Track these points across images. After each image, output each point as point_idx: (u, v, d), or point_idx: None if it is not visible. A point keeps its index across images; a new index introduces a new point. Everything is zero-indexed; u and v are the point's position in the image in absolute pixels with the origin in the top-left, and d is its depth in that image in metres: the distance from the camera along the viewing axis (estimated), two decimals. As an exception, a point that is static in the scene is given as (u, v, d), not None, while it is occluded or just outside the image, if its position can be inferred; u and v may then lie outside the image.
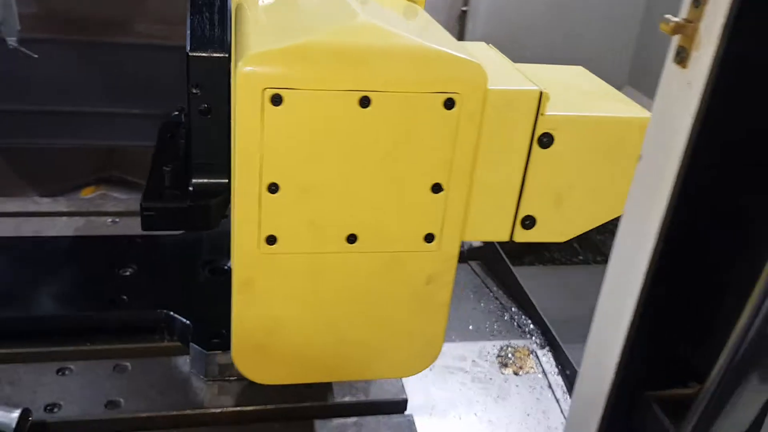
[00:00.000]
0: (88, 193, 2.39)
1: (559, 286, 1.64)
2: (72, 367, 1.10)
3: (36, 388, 1.05)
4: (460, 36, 1.97)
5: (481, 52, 0.84)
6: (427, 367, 0.81)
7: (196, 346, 1.10)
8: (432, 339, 0.78)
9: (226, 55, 0.99)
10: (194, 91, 1.01)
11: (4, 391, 1.04)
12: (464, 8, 1.93)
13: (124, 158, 2.36)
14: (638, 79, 1.95)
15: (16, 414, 0.97)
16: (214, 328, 1.12)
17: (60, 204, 1.53)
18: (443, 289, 0.76)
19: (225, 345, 1.09)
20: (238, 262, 0.73)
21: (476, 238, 0.77)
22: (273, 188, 0.70)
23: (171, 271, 1.28)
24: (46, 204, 1.52)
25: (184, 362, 1.13)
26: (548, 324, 1.37)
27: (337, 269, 0.74)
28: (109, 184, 2.40)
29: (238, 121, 0.67)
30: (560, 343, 1.33)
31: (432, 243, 0.74)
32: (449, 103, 0.69)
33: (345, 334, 0.78)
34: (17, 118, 2.04)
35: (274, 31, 0.72)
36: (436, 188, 0.72)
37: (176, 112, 1.33)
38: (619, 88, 2.03)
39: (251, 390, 1.08)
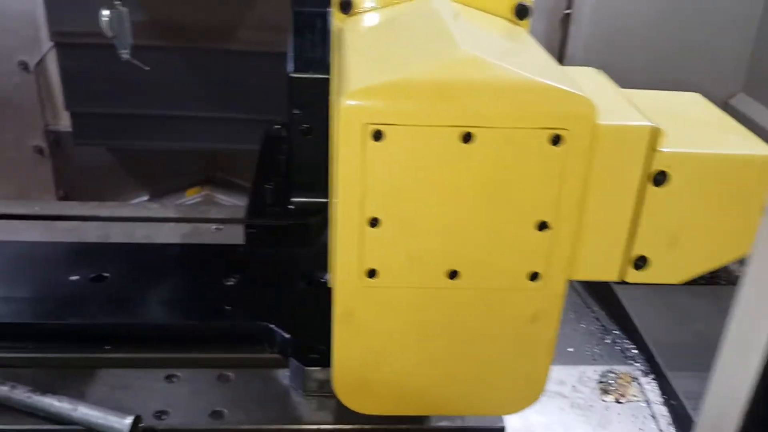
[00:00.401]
0: (192, 193, 2.49)
1: (663, 308, 1.56)
2: (179, 374, 1.15)
3: (146, 395, 1.11)
4: (563, 41, 1.90)
5: (588, 80, 0.80)
6: (528, 406, 0.79)
7: (295, 361, 1.12)
8: (535, 378, 0.76)
9: (328, 77, 1.00)
10: (296, 111, 1.03)
11: (116, 396, 1.10)
12: (567, 11, 1.86)
13: (228, 160, 2.44)
14: (754, 86, 1.82)
15: (129, 420, 1.03)
16: (312, 343, 1.15)
17: (169, 210, 1.60)
18: (548, 328, 0.74)
19: (323, 361, 1.11)
20: (340, 294, 0.73)
21: (585, 278, 0.74)
22: (374, 222, 0.70)
23: (272, 283, 1.31)
24: (155, 210, 1.60)
25: (283, 375, 1.15)
26: (652, 349, 1.31)
27: (438, 304, 0.74)
28: (213, 185, 2.49)
29: (340, 155, 0.67)
30: (665, 371, 1.26)
31: (537, 281, 0.72)
32: (556, 140, 0.66)
33: (445, 369, 0.77)
34: (128, 122, 2.14)
35: (374, 63, 0.71)
36: (542, 226, 0.70)
37: (277, 126, 1.35)
38: (732, 95, 1.91)
39: (349, 408, 1.09)
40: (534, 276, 0.72)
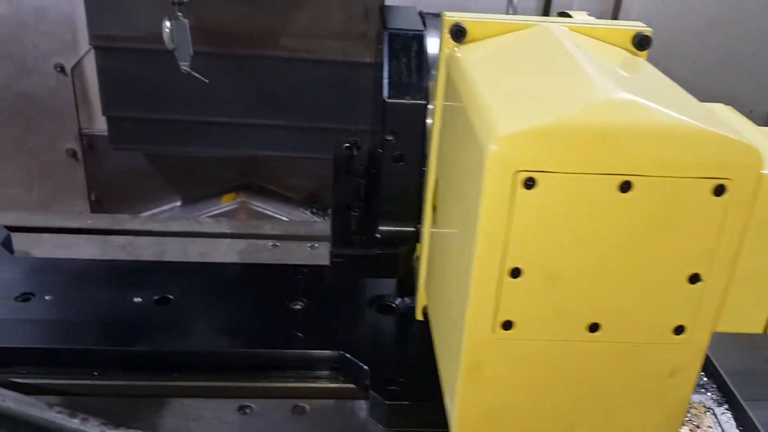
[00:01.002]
0: (228, 200, 2.45)
1: (730, 333, 1.52)
2: (253, 405, 1.10)
3: (220, 428, 1.06)
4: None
5: (734, 121, 0.76)
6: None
7: (375, 393, 1.08)
8: (666, 434, 0.72)
9: (424, 103, 0.95)
10: (389, 137, 0.98)
11: (190, 428, 1.05)
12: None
13: (262, 167, 2.40)
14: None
15: (208, 458, 0.99)
16: (390, 374, 1.10)
17: (222, 225, 1.55)
18: (686, 383, 0.70)
19: (402, 394, 1.07)
20: (469, 346, 0.68)
21: (729, 330, 0.70)
22: (515, 273, 0.65)
23: (340, 307, 1.26)
24: (209, 225, 1.55)
25: (360, 407, 1.11)
26: (725, 377, 1.27)
27: (573, 357, 0.69)
28: (249, 192, 2.45)
29: (485, 202, 0.62)
30: (740, 401, 1.23)
31: (681, 335, 0.68)
32: (719, 190, 0.62)
33: (573, 421, 0.73)
34: (165, 126, 2.11)
35: (516, 103, 0.67)
36: (693, 279, 0.65)
37: (347, 144, 1.31)
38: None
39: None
40: (679, 330, 0.68)
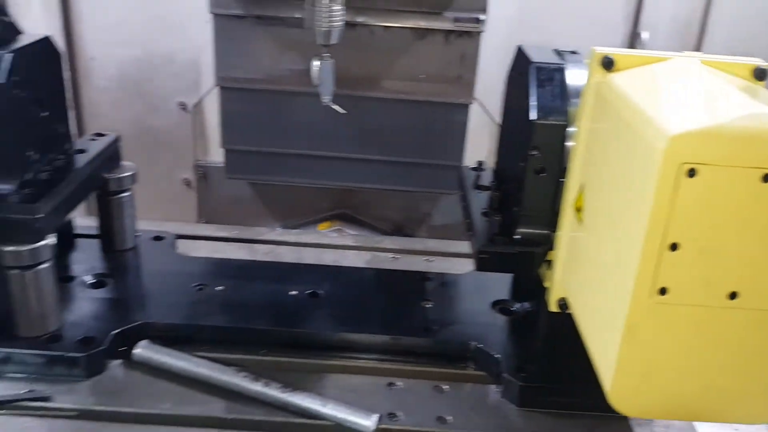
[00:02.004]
0: (324, 227, 2.66)
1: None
2: (399, 383, 1.27)
3: (373, 398, 1.23)
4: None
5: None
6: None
7: (508, 377, 1.24)
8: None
9: (565, 123, 1.15)
10: (533, 152, 1.18)
11: (348, 398, 1.22)
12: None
13: (355, 198, 2.60)
14: None
15: (375, 417, 1.16)
16: (520, 362, 1.27)
17: (347, 239, 1.75)
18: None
19: (533, 379, 1.24)
20: (631, 310, 0.85)
21: None
22: (674, 247, 0.82)
23: (466, 307, 1.44)
24: (336, 238, 1.75)
25: (492, 390, 1.27)
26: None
27: (715, 321, 0.86)
28: (342, 221, 2.65)
29: (656, 189, 0.80)
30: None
31: (808, 304, 0.84)
32: (840, 182, 0.79)
33: (715, 380, 0.88)
34: (273, 159, 2.32)
35: (677, 113, 0.85)
36: (820, 255, 0.82)
37: (474, 166, 1.51)
38: None
39: (560, 421, 1.21)
40: (806, 300, 0.84)
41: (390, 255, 1.69)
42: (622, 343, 0.88)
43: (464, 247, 1.71)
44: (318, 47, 1.61)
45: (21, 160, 1.19)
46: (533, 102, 1.16)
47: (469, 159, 1.97)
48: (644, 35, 2.08)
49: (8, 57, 1.15)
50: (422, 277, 1.53)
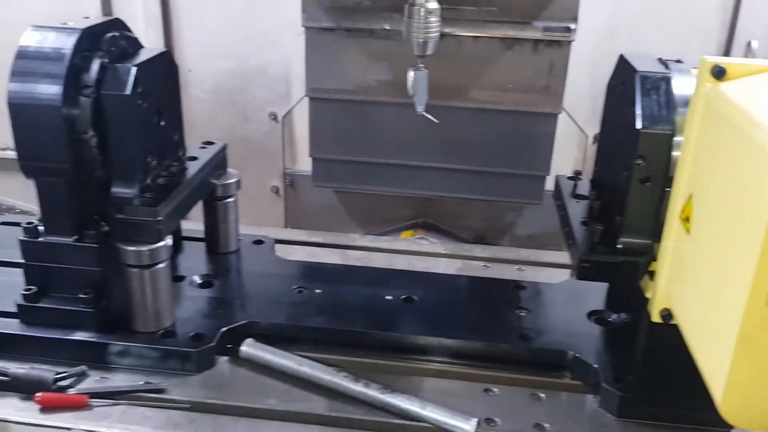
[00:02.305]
0: (407, 236, 2.69)
1: None
2: (495, 389, 1.29)
3: (471, 403, 1.25)
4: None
5: None
6: None
7: (607, 386, 1.24)
8: None
9: (671, 132, 1.15)
10: (638, 162, 1.17)
11: (447, 402, 1.24)
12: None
13: (437, 206, 2.62)
14: None
15: (474, 422, 1.17)
16: (618, 373, 1.26)
17: (437, 246, 1.77)
18: None
19: (631, 389, 1.23)
20: (745, 318, 0.85)
21: None
22: (793, 257, 0.81)
23: (562, 316, 1.44)
24: (426, 246, 1.78)
25: (588, 400, 1.27)
26: None
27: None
28: (424, 230, 2.68)
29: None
30: None
31: None
32: None
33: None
34: (359, 168, 2.35)
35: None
36: None
37: (570, 176, 1.51)
38: None
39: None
40: None
41: (481, 263, 1.71)
42: (735, 352, 0.88)
43: (555, 256, 1.72)
44: (404, 58, 1.64)
45: (142, 166, 1.28)
46: (639, 111, 1.16)
47: (556, 169, 1.96)
48: (754, 44, 2.03)
49: (133, 70, 1.23)
50: (516, 285, 1.54)
